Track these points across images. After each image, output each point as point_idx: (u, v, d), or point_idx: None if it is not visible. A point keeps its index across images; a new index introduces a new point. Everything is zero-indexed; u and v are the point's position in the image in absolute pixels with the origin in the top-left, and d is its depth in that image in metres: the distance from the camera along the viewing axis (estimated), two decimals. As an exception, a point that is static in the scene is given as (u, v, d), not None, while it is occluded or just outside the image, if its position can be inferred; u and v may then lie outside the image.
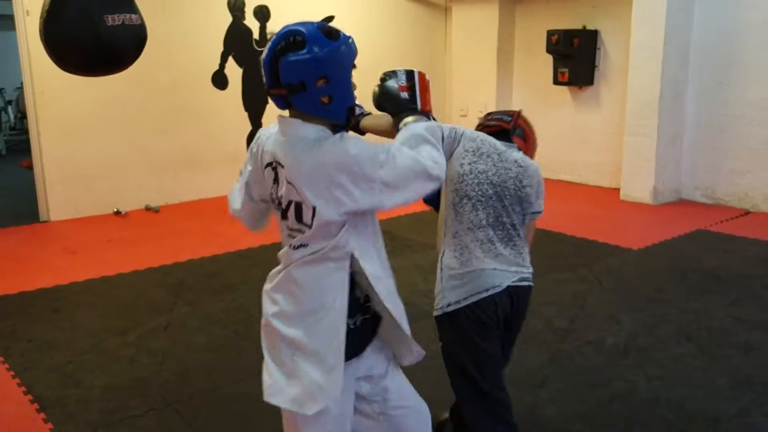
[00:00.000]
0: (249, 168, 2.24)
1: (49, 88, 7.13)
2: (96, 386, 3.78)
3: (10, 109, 14.24)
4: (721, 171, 7.72)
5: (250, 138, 8.65)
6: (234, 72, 8.48)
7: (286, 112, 2.13)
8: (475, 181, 2.56)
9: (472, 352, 2.57)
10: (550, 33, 8.50)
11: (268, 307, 2.19)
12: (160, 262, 5.88)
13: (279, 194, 2.05)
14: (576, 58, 8.50)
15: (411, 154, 1.99)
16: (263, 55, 2.05)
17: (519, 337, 2.90)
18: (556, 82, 8.76)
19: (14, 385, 3.79)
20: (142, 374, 3.91)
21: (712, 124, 7.73)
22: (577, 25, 8.66)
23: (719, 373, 3.82)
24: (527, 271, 2.69)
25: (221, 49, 8.33)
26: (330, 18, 9.15)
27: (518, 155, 2.66)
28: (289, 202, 2.03)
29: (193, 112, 8.22)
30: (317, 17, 8.97)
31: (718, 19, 7.51)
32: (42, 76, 7.07)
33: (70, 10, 3.80)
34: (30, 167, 7.62)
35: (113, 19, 4.04)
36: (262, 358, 2.23)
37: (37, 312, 4.88)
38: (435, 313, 2.64)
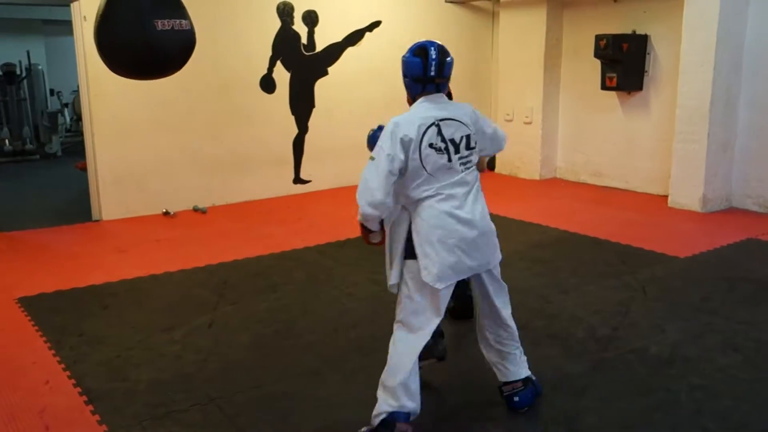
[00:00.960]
0: (390, 154, 3.03)
1: (104, 92, 7.37)
2: (142, 380, 3.89)
3: (66, 111, 14.75)
4: (774, 179, 7.51)
5: (297, 142, 8.81)
6: (282, 76, 8.61)
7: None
8: None
9: None
10: (599, 37, 8.40)
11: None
12: (206, 262, 6.01)
13: (449, 137, 3.08)
14: (625, 63, 8.37)
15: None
16: (433, 55, 3.14)
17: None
18: (604, 87, 8.64)
19: (64, 377, 3.93)
20: (186, 370, 4.01)
21: (764, 131, 7.52)
22: (626, 30, 8.53)
23: (766, 385, 3.72)
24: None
25: (270, 53, 8.47)
26: (377, 23, 9.24)
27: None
28: (461, 137, 3.12)
29: (241, 115, 8.39)
30: (364, 22, 9.08)
31: (773, 23, 7.32)
32: (97, 80, 7.31)
33: (122, 14, 3.95)
34: (84, 169, 7.89)
35: (163, 24, 4.18)
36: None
37: (88, 308, 5.05)
38: None
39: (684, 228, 7.10)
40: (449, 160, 3.08)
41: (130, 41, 3.95)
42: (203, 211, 8.00)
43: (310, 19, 8.69)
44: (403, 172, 3.05)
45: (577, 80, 9.32)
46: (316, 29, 8.76)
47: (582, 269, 5.77)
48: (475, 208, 3.14)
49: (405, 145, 3.03)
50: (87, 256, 6.36)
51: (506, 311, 3.38)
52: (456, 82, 9.61)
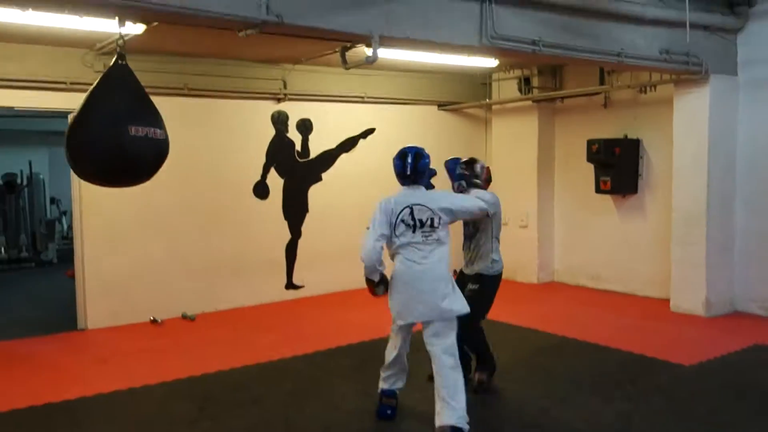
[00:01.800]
0: (380, 221, 4.37)
1: (96, 197, 7.33)
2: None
3: (64, 219, 14.80)
4: (777, 282, 7.33)
5: (290, 247, 8.71)
6: (276, 182, 8.63)
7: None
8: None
9: (493, 297, 5.22)
10: (591, 142, 8.47)
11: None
12: (189, 373, 5.75)
13: (417, 218, 4.32)
14: (618, 166, 8.40)
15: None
16: (409, 160, 4.49)
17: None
18: (598, 190, 8.63)
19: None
20: (153, 495, 3.70)
21: (763, 233, 7.42)
22: (618, 135, 8.61)
23: None
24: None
25: (264, 160, 8.53)
26: (371, 130, 9.37)
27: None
28: (427, 218, 4.33)
29: (233, 221, 8.34)
30: (358, 130, 9.21)
31: (763, 127, 7.37)
32: (90, 187, 7.28)
33: (96, 118, 3.91)
34: (73, 276, 7.75)
35: (137, 130, 4.14)
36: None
37: (58, 426, 4.76)
38: (487, 273, 5.14)
39: (687, 334, 6.84)
40: (413, 232, 4.35)
41: (101, 142, 3.90)
42: (191, 319, 7.78)
43: (305, 127, 8.81)
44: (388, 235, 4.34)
45: (571, 184, 9.34)
46: (311, 137, 8.87)
47: (581, 378, 5.49)
48: (431, 266, 4.32)
49: (389, 214, 4.35)
50: (66, 368, 6.10)
51: (447, 361, 4.32)
52: (450, 185, 9.48)
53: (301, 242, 8.87)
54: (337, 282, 9.15)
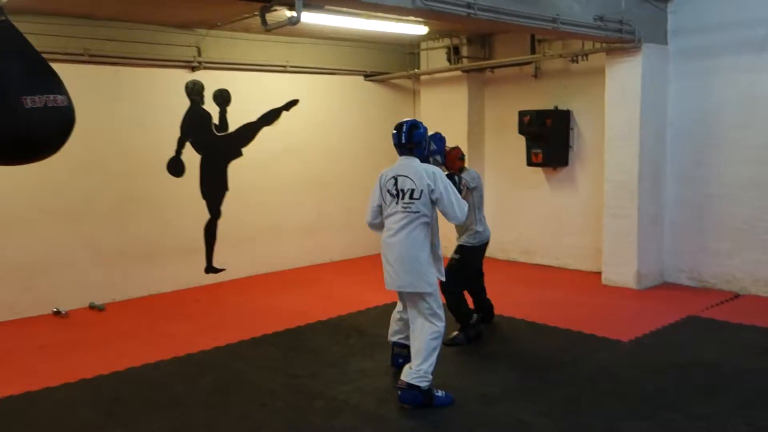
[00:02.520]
0: (376, 191, 4.56)
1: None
2: None
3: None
4: (705, 253, 7.33)
5: (209, 227, 8.14)
6: (192, 158, 8.01)
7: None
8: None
9: (477, 264, 5.83)
10: (522, 114, 8.24)
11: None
12: (96, 372, 5.17)
13: (400, 188, 4.37)
14: (549, 138, 8.21)
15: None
16: (403, 130, 4.51)
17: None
18: (530, 163, 8.43)
19: None
20: None
21: (693, 204, 7.40)
22: (548, 106, 8.42)
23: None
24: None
25: (178, 134, 7.88)
26: (294, 102, 8.85)
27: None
28: (409, 189, 4.35)
29: (146, 201, 7.68)
30: (280, 101, 8.67)
31: (693, 98, 7.30)
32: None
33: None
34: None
35: (33, 101, 3.55)
36: None
37: (-60, 440, 4.14)
38: (467, 244, 5.64)
39: (622, 307, 6.74)
40: (396, 202, 4.40)
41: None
42: (101, 309, 7.13)
43: (222, 98, 8.19)
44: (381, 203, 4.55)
45: (502, 157, 9.11)
46: (229, 108, 8.26)
47: (522, 361, 5.26)
48: (402, 242, 4.35)
49: (381, 184, 4.54)
50: (-47, 371, 5.40)
51: (420, 320, 4.43)
52: (377, 158, 9.17)
53: (221, 222, 8.30)
54: (262, 264, 8.65)
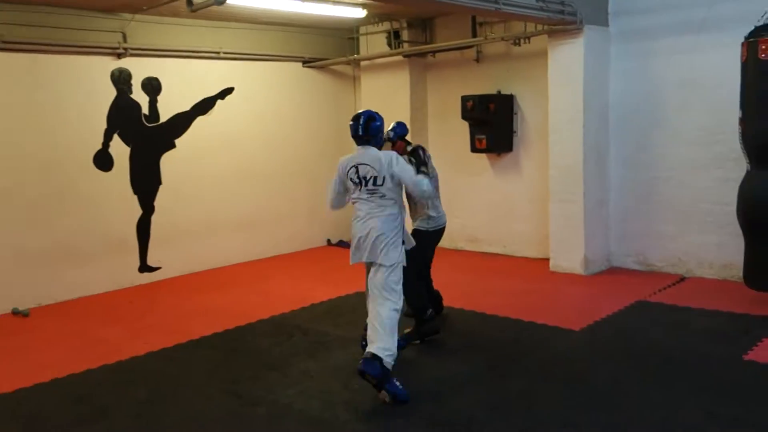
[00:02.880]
0: (336, 179, 4.70)
1: None
2: None
3: None
4: (651, 236, 7.32)
5: (141, 224, 7.71)
6: (121, 151, 7.54)
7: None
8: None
9: (430, 251, 5.63)
10: (465, 99, 8.06)
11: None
12: (16, 385, 4.75)
13: (362, 176, 4.52)
14: (493, 124, 8.07)
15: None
16: (361, 122, 4.58)
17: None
18: (474, 149, 8.28)
19: None
20: None
21: (638, 187, 7.37)
22: (491, 90, 8.27)
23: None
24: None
25: (104, 126, 7.40)
26: (229, 90, 8.46)
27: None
28: (370, 177, 4.50)
29: (72, 196, 7.19)
30: (214, 89, 8.28)
31: (635, 80, 7.25)
32: None
33: None
34: None
35: None
36: None
37: None
38: (422, 228, 5.48)
39: (571, 294, 6.65)
40: (360, 189, 4.58)
41: None
42: (25, 314, 6.64)
43: (151, 86, 7.73)
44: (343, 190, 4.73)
45: (446, 143, 8.92)
46: (159, 98, 7.81)
47: (473, 354, 5.08)
48: (370, 222, 4.52)
49: (341, 172, 4.66)
50: None
51: (379, 299, 4.49)
52: (320, 146, 8.85)
53: (154, 218, 7.87)
54: (199, 261, 8.27)
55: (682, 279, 6.98)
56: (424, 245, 5.38)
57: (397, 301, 4.49)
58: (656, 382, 4.37)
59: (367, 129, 4.55)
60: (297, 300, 6.69)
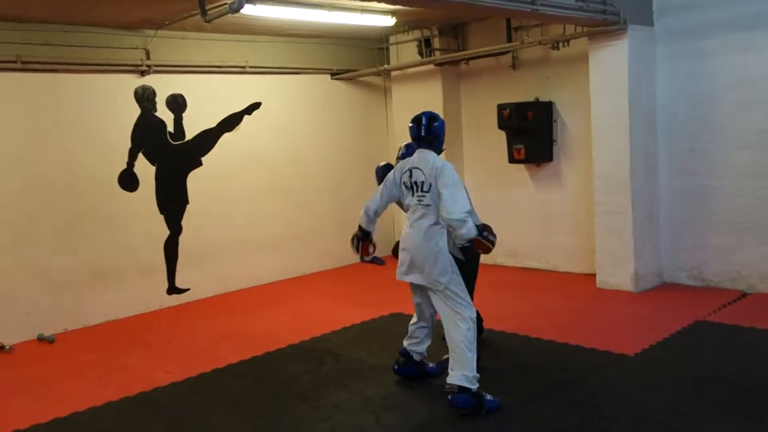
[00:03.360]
0: (391, 181, 4.53)
1: None
2: None
3: None
4: (706, 249, 6.81)
5: (169, 244, 7.50)
6: (146, 170, 7.34)
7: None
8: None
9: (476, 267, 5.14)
10: (501, 107, 7.67)
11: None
12: (32, 421, 4.50)
13: (414, 181, 4.36)
14: (531, 133, 7.66)
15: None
16: (423, 122, 4.41)
17: None
18: (512, 160, 7.87)
19: None
20: None
21: (690, 196, 6.88)
22: (528, 98, 7.87)
23: None
24: None
25: (129, 145, 7.21)
26: (256, 105, 8.23)
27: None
28: (421, 182, 4.31)
29: (98, 219, 7.00)
30: (241, 105, 8.06)
31: (684, 82, 6.78)
32: None
33: None
34: None
35: None
36: None
37: None
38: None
39: (622, 314, 6.19)
40: (412, 195, 4.38)
41: None
42: (50, 341, 6.45)
43: (176, 104, 7.53)
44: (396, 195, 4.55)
45: (482, 154, 8.54)
46: (185, 115, 7.60)
47: (516, 382, 4.67)
48: (417, 232, 4.32)
49: (398, 175, 4.48)
50: None
51: (446, 324, 4.30)
52: (350, 161, 8.52)
53: (182, 238, 7.64)
54: (228, 281, 8.02)
55: (744, 295, 6.45)
56: (471, 260, 4.91)
57: (465, 316, 4.24)
58: (720, 414, 3.91)
59: (430, 129, 4.36)
60: (328, 322, 6.36)
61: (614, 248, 6.88)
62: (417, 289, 4.60)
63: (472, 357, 4.17)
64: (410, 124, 4.45)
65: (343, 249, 9.14)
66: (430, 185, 4.26)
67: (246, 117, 8.14)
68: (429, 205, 4.29)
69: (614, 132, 6.74)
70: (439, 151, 4.45)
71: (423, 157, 4.36)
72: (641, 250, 6.83)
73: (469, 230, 4.03)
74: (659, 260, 7.08)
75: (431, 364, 4.81)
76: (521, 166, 8.06)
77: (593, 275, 7.22)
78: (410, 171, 4.37)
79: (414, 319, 4.78)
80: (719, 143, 6.62)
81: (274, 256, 8.48)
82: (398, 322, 5.99)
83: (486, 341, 5.48)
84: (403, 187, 4.43)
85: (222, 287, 7.95)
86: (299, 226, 8.73)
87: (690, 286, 6.90)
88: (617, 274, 6.89)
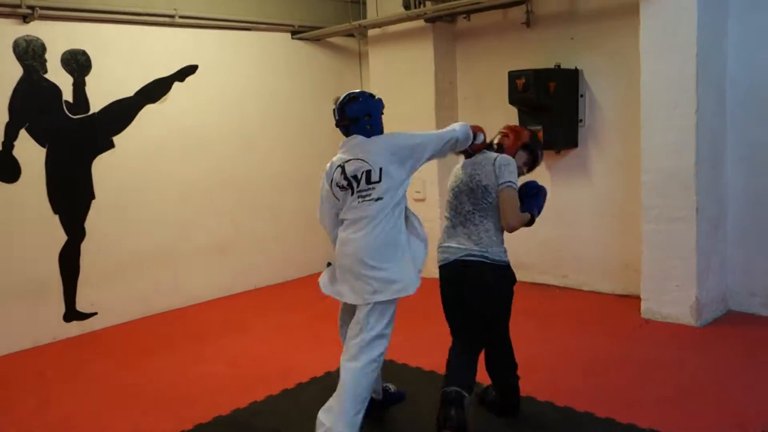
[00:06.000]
0: (326, 192, 3.46)
1: None
2: None
3: None
4: (790, 268, 5.09)
5: (67, 255, 5.57)
6: (32, 154, 5.37)
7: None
8: (451, 188, 3.59)
9: (442, 295, 3.62)
10: (514, 75, 5.81)
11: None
12: None
13: (351, 175, 3.31)
14: (552, 110, 5.84)
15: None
16: (337, 104, 3.44)
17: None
18: (525, 146, 6.04)
19: None
20: None
21: (764, 197, 5.13)
22: (547, 64, 6.04)
23: None
24: (477, 249, 3.38)
25: (5, 118, 5.23)
26: (191, 69, 6.28)
27: (487, 155, 3.51)
28: (362, 173, 3.30)
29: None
30: (170, 68, 6.10)
31: (765, 44, 5.01)
32: None
33: None
34: None
35: None
36: None
37: None
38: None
39: (688, 366, 4.38)
40: (352, 194, 3.35)
41: None
42: None
43: (77, 63, 5.55)
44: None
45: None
46: (89, 79, 5.62)
47: None
48: (358, 239, 3.30)
49: (329, 181, 3.45)
50: None
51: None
52: (318, 146, 6.61)
53: (85, 246, 5.69)
54: (153, 301, 6.14)
55: None
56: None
57: (383, 347, 3.38)
58: None
59: (342, 113, 3.47)
60: (278, 373, 4.50)
61: (669, 266, 5.10)
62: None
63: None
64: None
65: (311, 255, 7.42)
66: (381, 170, 3.27)
67: (177, 84, 6.17)
68: (379, 198, 3.27)
69: (674, 112, 4.93)
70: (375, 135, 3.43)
71: (355, 143, 3.38)
72: (704, 270, 5.07)
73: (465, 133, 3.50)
74: (725, 281, 5.34)
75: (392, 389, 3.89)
76: (537, 153, 6.22)
77: (630, 297, 5.51)
78: (342, 166, 3.36)
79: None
80: (815, 128, 4.88)
81: (218, 267, 6.58)
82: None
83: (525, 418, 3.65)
84: (339, 191, 3.38)
85: (143, 309, 6.04)
86: (251, 229, 6.84)
87: (764, 316, 5.17)
88: (672, 301, 5.12)
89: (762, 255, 5.19)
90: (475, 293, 3.41)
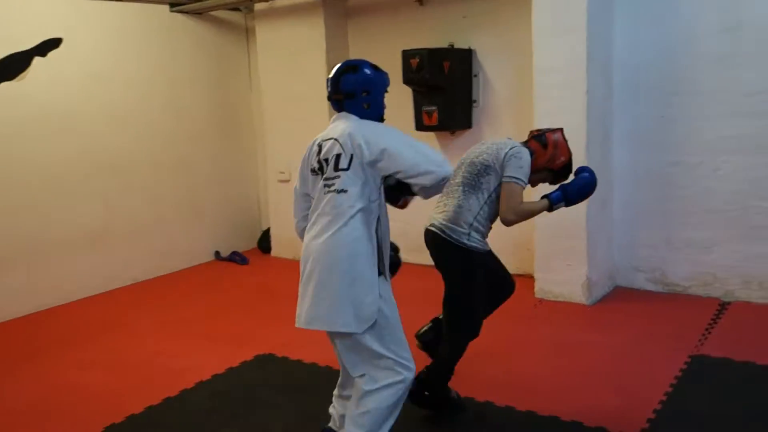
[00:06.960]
0: (302, 174, 2.97)
1: None
2: None
3: None
4: (672, 244, 5.27)
5: None
6: None
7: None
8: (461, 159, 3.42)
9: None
10: (408, 54, 5.65)
11: None
12: None
13: (323, 157, 2.81)
14: (447, 90, 5.73)
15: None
16: (332, 73, 2.90)
17: None
18: (420, 126, 5.92)
19: None
20: None
21: (653, 177, 5.29)
22: (440, 43, 5.92)
23: None
24: (438, 220, 3.37)
25: None
26: (54, 42, 5.68)
27: (507, 142, 3.29)
28: (332, 156, 2.79)
29: None
30: (29, 41, 5.48)
31: (650, 25, 5.12)
32: None
33: None
34: None
35: None
36: None
37: None
38: (480, 247, 3.46)
39: (584, 346, 4.43)
40: (320, 180, 2.86)
41: None
42: None
43: None
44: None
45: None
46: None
47: None
48: (323, 241, 2.78)
49: (305, 161, 2.98)
50: None
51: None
52: (201, 126, 6.16)
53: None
54: (16, 302, 5.55)
55: (723, 306, 4.96)
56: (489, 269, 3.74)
57: (403, 374, 2.91)
58: None
59: (337, 84, 2.92)
60: (162, 378, 4.16)
61: (560, 246, 5.17)
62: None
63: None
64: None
65: (197, 243, 7.00)
66: (351, 157, 2.77)
67: (37, 60, 5.56)
68: (343, 190, 2.76)
69: (566, 92, 4.94)
70: (372, 117, 2.91)
71: (340, 123, 2.89)
72: (594, 249, 5.16)
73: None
74: (612, 258, 5.47)
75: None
76: (431, 134, 6.12)
77: (525, 276, 5.50)
78: (319, 145, 2.89)
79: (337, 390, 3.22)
80: (694, 108, 5.04)
81: (91, 260, 6.05)
82: (269, 373, 3.98)
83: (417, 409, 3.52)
84: (309, 172, 2.93)
85: (4, 312, 5.45)
86: (128, 217, 6.34)
87: (651, 291, 5.35)
88: (564, 280, 5.19)
89: (646, 231, 5.35)
90: (434, 260, 3.50)
